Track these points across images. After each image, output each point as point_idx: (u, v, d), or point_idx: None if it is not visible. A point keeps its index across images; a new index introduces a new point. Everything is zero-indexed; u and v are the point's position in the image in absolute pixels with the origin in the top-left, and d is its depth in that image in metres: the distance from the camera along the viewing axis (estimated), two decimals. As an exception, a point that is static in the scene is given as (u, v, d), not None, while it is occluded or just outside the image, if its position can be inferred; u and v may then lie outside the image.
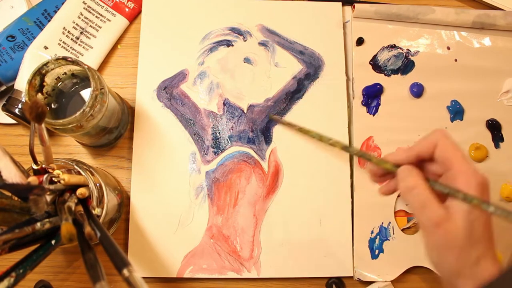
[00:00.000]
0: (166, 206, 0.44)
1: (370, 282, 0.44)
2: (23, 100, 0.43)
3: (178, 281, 0.44)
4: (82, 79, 0.41)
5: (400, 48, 0.49)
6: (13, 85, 0.44)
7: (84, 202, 0.34)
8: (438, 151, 0.29)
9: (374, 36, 0.49)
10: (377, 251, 0.44)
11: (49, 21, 0.46)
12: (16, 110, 0.43)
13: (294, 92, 0.48)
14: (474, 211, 0.27)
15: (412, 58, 0.49)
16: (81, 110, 0.35)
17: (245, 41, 0.49)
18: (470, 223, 0.26)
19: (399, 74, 0.49)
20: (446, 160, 0.28)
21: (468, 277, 0.26)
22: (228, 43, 0.48)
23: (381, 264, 0.44)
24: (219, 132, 0.46)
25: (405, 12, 0.49)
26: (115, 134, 0.45)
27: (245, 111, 0.47)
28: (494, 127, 0.48)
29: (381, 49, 0.49)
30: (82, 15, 0.47)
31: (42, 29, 0.46)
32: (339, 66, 0.48)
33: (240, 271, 0.43)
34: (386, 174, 0.32)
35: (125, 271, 0.26)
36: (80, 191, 0.34)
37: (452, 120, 0.48)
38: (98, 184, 0.37)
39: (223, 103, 0.47)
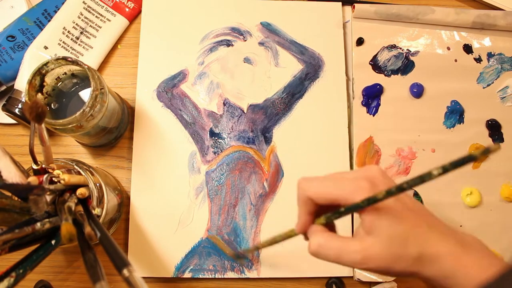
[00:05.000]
0: (166, 206, 0.44)
1: (370, 282, 0.44)
2: (23, 100, 0.43)
3: (178, 281, 0.44)
4: (82, 79, 0.41)
5: (400, 48, 0.49)
6: (13, 85, 0.44)
7: (84, 202, 0.34)
8: (317, 201, 0.28)
9: (374, 36, 0.49)
10: (377, 251, 0.44)
11: (49, 21, 0.46)
12: (16, 110, 0.43)
13: (294, 92, 0.48)
14: (380, 219, 0.26)
15: (412, 58, 0.49)
16: (81, 110, 0.35)
17: (245, 41, 0.49)
18: (387, 235, 0.25)
19: (399, 74, 0.49)
20: (330, 201, 0.27)
21: (424, 267, 0.26)
22: (228, 43, 0.48)
23: (381, 264, 0.44)
24: (219, 132, 0.46)
25: (405, 12, 0.49)
26: (115, 134, 0.45)
27: (245, 111, 0.47)
28: (494, 127, 0.48)
29: (381, 49, 0.49)
30: (82, 15, 0.47)
31: (42, 29, 0.46)
32: (339, 66, 0.48)
33: (240, 271, 0.43)
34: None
35: (125, 271, 0.26)
36: (80, 191, 0.34)
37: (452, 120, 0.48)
38: (98, 184, 0.37)
39: (223, 103, 0.47)
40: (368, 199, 0.25)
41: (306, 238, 0.31)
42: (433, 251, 0.26)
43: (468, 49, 0.50)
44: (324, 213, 0.29)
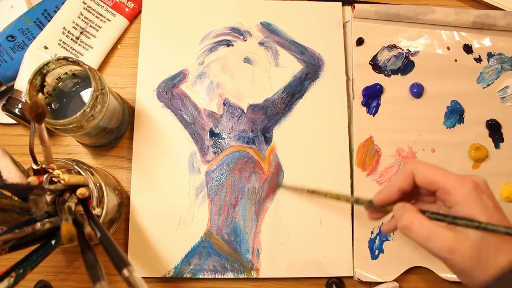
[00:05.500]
0: (166, 206, 0.44)
1: (370, 282, 0.44)
2: (23, 100, 0.43)
3: (178, 281, 0.44)
4: (83, 79, 0.41)
5: (400, 48, 0.49)
6: (13, 85, 0.44)
7: (84, 202, 0.34)
8: (418, 179, 0.29)
9: (374, 36, 0.49)
10: (377, 251, 0.44)
11: (49, 21, 0.46)
12: (16, 110, 0.43)
13: (294, 92, 0.48)
14: (477, 216, 0.26)
15: (412, 58, 0.49)
16: (82, 111, 0.35)
17: (245, 41, 0.49)
18: (481, 235, 0.25)
19: (399, 74, 0.49)
20: (429, 184, 0.28)
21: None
22: (228, 43, 0.48)
23: (381, 265, 0.44)
24: (219, 132, 0.46)
25: (405, 12, 0.49)
26: (116, 134, 0.45)
27: (245, 111, 0.47)
28: (494, 127, 0.48)
29: (381, 49, 0.49)
30: (82, 15, 0.47)
31: (42, 29, 0.46)
32: (339, 66, 0.48)
33: (240, 271, 0.43)
34: (380, 211, 0.32)
35: (125, 271, 0.26)
36: (80, 191, 0.34)
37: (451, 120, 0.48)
38: (98, 184, 0.37)
39: (223, 103, 0.47)
40: (505, 227, 0.25)
41: (372, 213, 0.32)
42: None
43: (468, 49, 0.50)
44: (405, 200, 0.30)
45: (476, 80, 0.49)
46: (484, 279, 0.25)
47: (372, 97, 0.48)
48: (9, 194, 0.29)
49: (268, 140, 0.46)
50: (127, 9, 0.49)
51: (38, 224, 0.29)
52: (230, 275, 0.43)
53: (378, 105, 0.48)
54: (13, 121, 0.46)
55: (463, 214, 0.26)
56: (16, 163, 0.30)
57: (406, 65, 0.49)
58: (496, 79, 0.49)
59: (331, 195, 0.37)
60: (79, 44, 0.47)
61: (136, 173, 0.45)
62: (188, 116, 0.46)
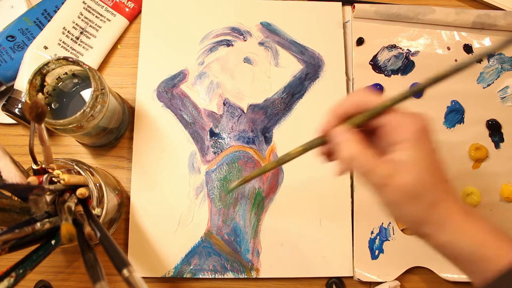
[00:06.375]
0: (166, 206, 0.44)
1: (370, 282, 0.44)
2: (23, 100, 0.43)
3: (178, 281, 0.44)
4: (83, 79, 0.41)
5: (400, 48, 0.49)
6: (13, 85, 0.44)
7: (84, 202, 0.34)
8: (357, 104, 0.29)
9: (374, 36, 0.49)
10: (377, 252, 0.44)
11: (49, 21, 0.46)
12: (16, 110, 0.43)
13: (294, 92, 0.48)
14: (419, 159, 0.26)
15: (412, 58, 0.49)
16: (82, 111, 0.35)
17: (245, 41, 0.49)
18: (418, 172, 0.26)
19: (399, 74, 0.49)
20: (378, 119, 0.28)
21: (432, 223, 0.26)
22: (228, 43, 0.48)
23: (381, 265, 0.44)
24: (219, 132, 0.46)
25: (405, 12, 0.49)
26: (116, 134, 0.45)
27: (245, 111, 0.47)
28: (494, 127, 0.48)
29: (381, 49, 0.49)
30: (82, 15, 0.47)
31: (42, 29, 0.46)
32: (339, 66, 0.48)
33: (240, 271, 0.43)
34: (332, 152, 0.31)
35: (125, 271, 0.26)
36: (80, 191, 0.34)
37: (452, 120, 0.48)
38: (98, 184, 0.37)
39: (223, 103, 0.47)
40: (402, 94, 0.27)
41: (325, 152, 0.31)
42: (445, 211, 0.26)
43: (468, 49, 0.50)
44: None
45: (476, 80, 0.49)
46: (412, 212, 0.26)
47: (372, 97, 0.48)
48: (9, 194, 0.29)
49: (268, 140, 0.46)
50: (127, 9, 0.49)
51: (38, 224, 0.29)
52: (230, 275, 0.43)
53: (378, 105, 0.48)
54: (13, 121, 0.46)
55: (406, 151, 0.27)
56: (16, 163, 0.30)
57: (406, 65, 0.49)
58: (496, 79, 0.49)
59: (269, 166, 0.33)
60: (79, 44, 0.47)
61: (136, 173, 0.45)
62: (188, 116, 0.46)
